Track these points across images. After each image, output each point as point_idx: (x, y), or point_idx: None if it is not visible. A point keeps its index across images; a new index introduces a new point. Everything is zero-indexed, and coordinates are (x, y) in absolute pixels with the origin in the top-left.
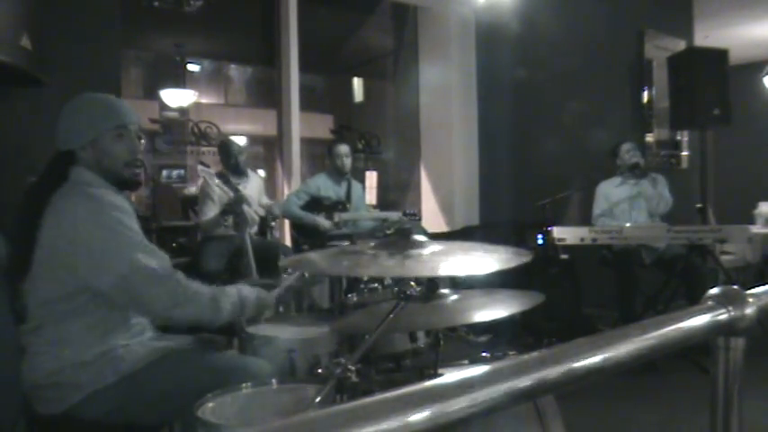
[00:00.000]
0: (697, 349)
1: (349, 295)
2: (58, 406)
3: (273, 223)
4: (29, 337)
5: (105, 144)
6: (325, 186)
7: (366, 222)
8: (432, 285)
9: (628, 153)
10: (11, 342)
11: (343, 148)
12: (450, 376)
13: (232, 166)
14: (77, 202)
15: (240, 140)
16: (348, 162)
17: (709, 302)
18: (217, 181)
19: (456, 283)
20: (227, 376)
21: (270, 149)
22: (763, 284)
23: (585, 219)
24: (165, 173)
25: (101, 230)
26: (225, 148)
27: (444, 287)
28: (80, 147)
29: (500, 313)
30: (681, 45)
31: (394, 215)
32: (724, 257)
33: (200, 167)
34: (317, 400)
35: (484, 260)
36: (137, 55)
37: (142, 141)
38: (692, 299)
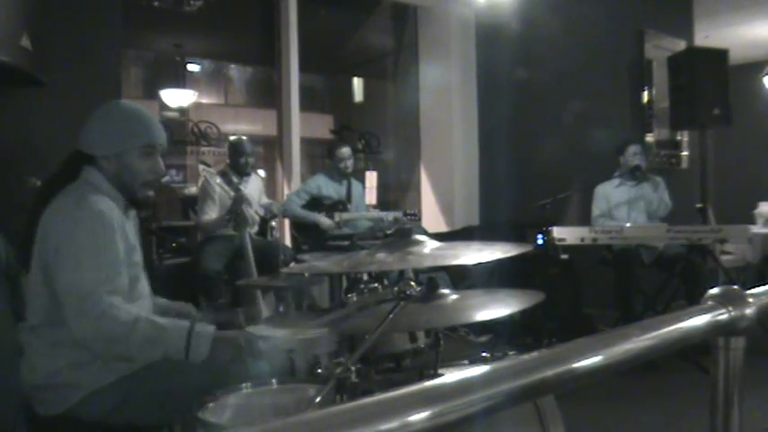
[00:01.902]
0: (697, 349)
1: (349, 295)
2: (58, 407)
3: (273, 223)
4: (27, 336)
5: (130, 160)
6: (326, 185)
7: (366, 222)
8: (432, 285)
9: (633, 156)
10: (11, 342)
11: (346, 151)
12: (450, 376)
13: (241, 165)
14: (69, 203)
15: None
16: (351, 164)
17: (710, 302)
18: (218, 180)
19: (462, 277)
20: (226, 375)
21: (270, 149)
22: (763, 284)
23: (585, 219)
24: None
25: (75, 240)
26: (237, 146)
27: (444, 287)
28: (103, 156)
29: (500, 312)
30: (681, 45)
31: (389, 215)
32: (724, 257)
33: (201, 166)
34: (317, 400)
35: (484, 251)
36: (137, 55)
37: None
38: (692, 299)
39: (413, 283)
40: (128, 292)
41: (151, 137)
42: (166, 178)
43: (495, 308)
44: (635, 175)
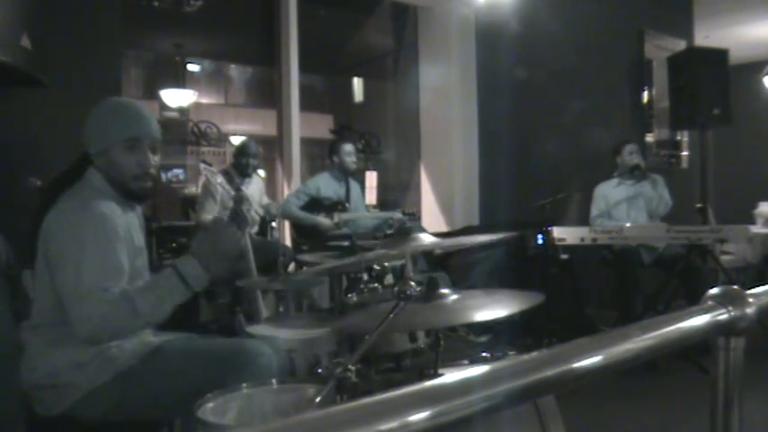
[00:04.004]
0: (697, 349)
1: (349, 295)
2: (57, 407)
3: (273, 223)
4: (29, 335)
5: (115, 155)
6: (325, 186)
7: (366, 222)
8: (432, 285)
9: (630, 155)
10: (11, 342)
11: (350, 147)
12: (450, 376)
13: (242, 165)
14: (73, 207)
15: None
16: (354, 160)
17: (710, 302)
18: (219, 179)
19: (463, 277)
20: (226, 361)
21: (270, 149)
22: (763, 284)
23: (585, 219)
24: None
25: (78, 244)
26: (242, 147)
27: (444, 287)
28: (94, 153)
29: (500, 313)
30: (681, 45)
31: (395, 215)
32: (724, 257)
33: (202, 165)
34: (317, 400)
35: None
36: (137, 55)
37: (156, 157)
38: (692, 299)
39: (413, 283)
40: None
41: (133, 130)
42: (167, 176)
43: (494, 308)
44: (634, 173)
